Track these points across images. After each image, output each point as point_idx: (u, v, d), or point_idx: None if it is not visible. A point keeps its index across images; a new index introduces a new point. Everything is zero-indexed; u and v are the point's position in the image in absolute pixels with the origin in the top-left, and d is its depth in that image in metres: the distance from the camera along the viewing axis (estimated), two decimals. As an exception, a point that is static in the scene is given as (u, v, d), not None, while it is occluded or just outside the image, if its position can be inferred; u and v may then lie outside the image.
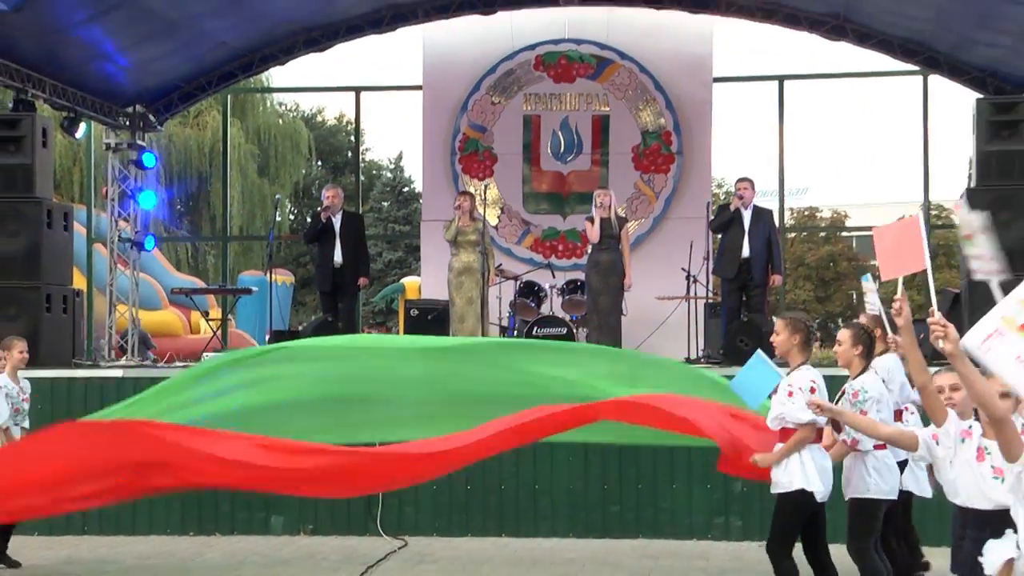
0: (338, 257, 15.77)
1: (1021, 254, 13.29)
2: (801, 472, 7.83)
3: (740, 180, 15.32)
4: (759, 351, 8.08)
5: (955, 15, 15.80)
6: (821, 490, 7.88)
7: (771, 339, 8.28)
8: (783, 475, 7.91)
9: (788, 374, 7.96)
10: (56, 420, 12.84)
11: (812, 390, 7.75)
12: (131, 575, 11.15)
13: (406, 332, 16.71)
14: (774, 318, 8.46)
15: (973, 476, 5.63)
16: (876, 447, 7.95)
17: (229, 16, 17.18)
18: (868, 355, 8.15)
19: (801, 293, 47.85)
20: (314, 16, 18.20)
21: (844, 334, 8.27)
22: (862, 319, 8.68)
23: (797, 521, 8.05)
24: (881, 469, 8.03)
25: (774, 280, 15.28)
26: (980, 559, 5.35)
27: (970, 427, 5.72)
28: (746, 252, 14.83)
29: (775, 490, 8.03)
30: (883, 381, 8.29)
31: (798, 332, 8.04)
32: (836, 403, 7.97)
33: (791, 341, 8.01)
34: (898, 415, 8.37)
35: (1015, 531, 4.85)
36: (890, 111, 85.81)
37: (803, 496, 7.86)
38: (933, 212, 23.39)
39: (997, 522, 5.51)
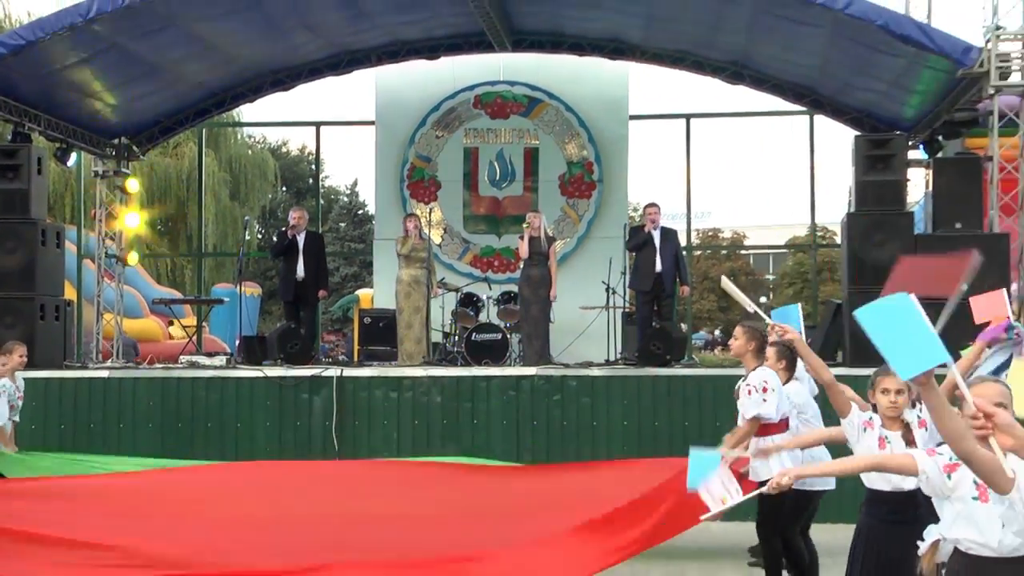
0: (301, 271, 15.74)
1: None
2: (778, 461, 7.71)
3: (649, 205, 15.36)
4: (691, 451, 7.93)
5: (837, 64, 15.97)
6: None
7: (729, 343, 8.30)
8: (762, 466, 7.79)
9: (745, 377, 7.99)
10: (48, 416, 12.85)
11: (764, 388, 7.79)
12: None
13: (360, 337, 16.67)
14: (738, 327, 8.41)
15: None
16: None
17: (205, 60, 17.11)
18: (791, 368, 8.18)
19: (706, 304, 48.08)
20: (279, 60, 18.15)
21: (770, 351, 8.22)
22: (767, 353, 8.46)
23: (781, 506, 7.92)
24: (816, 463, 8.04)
25: (683, 291, 15.42)
26: (891, 537, 5.40)
27: (871, 418, 5.80)
28: (659, 268, 14.93)
29: (756, 478, 7.75)
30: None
31: (754, 339, 8.03)
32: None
33: (747, 347, 8.02)
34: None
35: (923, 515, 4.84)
36: (782, 145, 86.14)
37: None
38: (819, 233, 23.56)
39: (891, 505, 5.59)
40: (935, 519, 4.76)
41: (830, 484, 8.21)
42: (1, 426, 10.21)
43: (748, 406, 7.87)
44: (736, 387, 8.22)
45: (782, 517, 8.08)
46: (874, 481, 5.75)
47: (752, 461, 7.85)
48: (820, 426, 8.22)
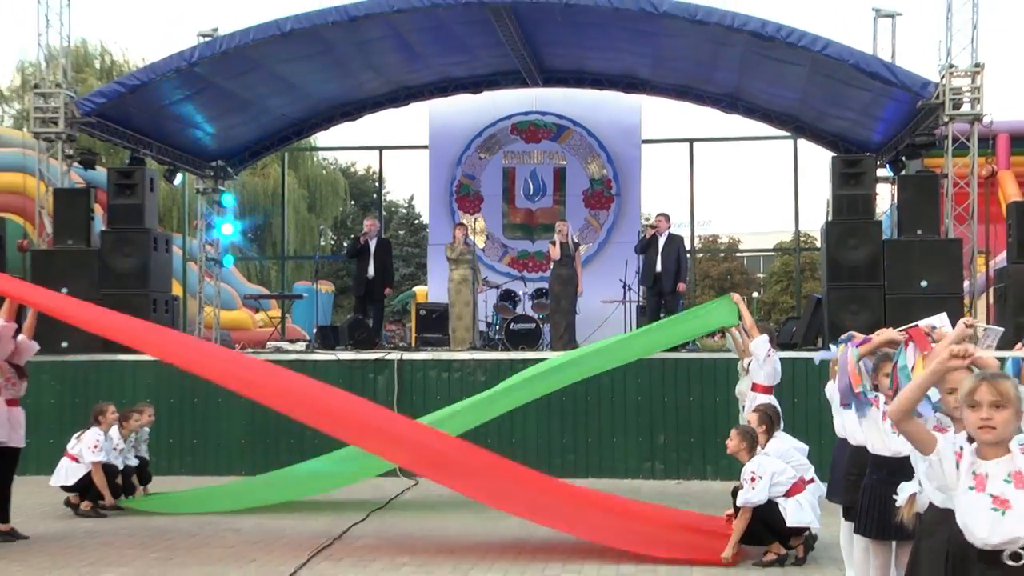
0: (371, 271, 15.83)
1: (864, 269, 13.46)
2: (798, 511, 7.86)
3: (658, 215, 15.50)
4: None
5: (815, 96, 15.95)
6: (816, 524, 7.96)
7: (726, 442, 8.15)
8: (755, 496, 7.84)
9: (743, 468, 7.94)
10: (160, 393, 12.93)
11: (752, 479, 7.75)
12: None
13: (417, 327, 16.71)
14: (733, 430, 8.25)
15: (878, 432, 5.75)
16: (787, 494, 7.88)
17: (286, 96, 17.26)
18: (770, 430, 8.06)
19: (706, 298, 47.64)
20: (348, 95, 18.27)
21: (733, 434, 8.13)
22: (750, 418, 8.44)
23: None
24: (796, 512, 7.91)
25: (679, 287, 15.39)
26: (890, 494, 5.40)
27: (876, 396, 5.81)
28: (659, 268, 14.98)
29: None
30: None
31: (745, 440, 7.94)
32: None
33: (740, 446, 7.92)
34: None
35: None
36: (770, 164, 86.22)
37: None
38: (802, 239, 23.46)
39: (892, 467, 5.62)
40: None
41: (814, 524, 8.01)
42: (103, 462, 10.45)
43: (740, 496, 7.85)
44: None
45: (763, 520, 8.03)
46: (878, 448, 5.78)
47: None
48: (808, 466, 8.12)
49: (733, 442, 8.02)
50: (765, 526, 7.97)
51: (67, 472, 10.37)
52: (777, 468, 7.88)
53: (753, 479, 7.78)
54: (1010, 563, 3.58)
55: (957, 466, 3.70)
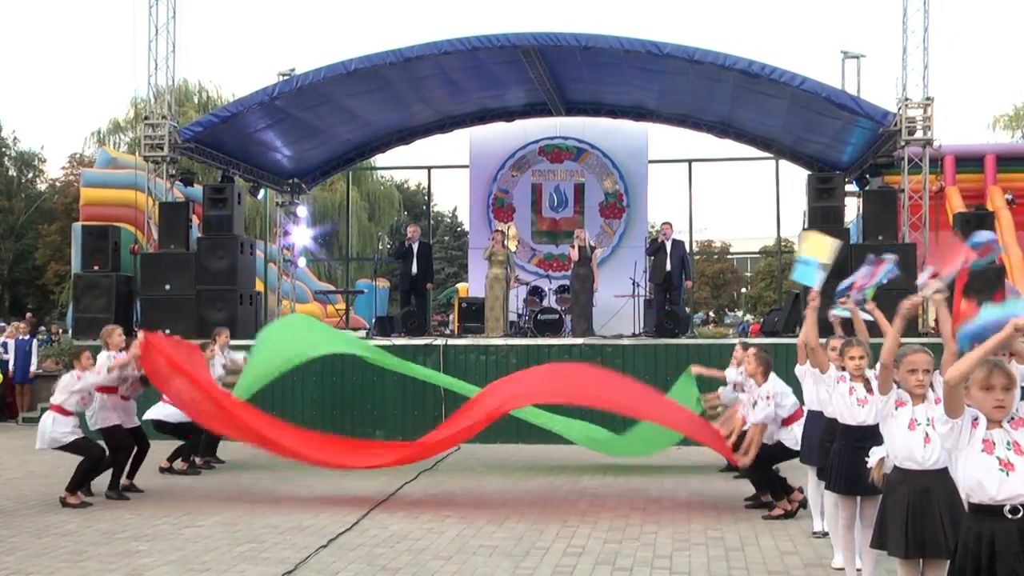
0: (414, 269, 15.85)
1: (835, 268, 13.33)
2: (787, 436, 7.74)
3: (664, 223, 15.54)
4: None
5: (794, 124, 15.88)
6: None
7: (744, 366, 8.02)
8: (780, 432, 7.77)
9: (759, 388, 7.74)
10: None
11: (767, 397, 7.59)
12: (284, 466, 11.19)
13: (459, 318, 16.75)
14: (750, 351, 8.01)
15: (845, 404, 5.75)
16: (784, 423, 7.75)
17: (351, 124, 17.35)
18: (766, 373, 7.77)
19: (703, 293, 47.70)
20: (402, 123, 18.34)
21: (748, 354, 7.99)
22: (749, 358, 8.05)
23: (777, 457, 7.89)
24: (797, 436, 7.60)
25: (687, 284, 15.37)
26: (856, 457, 5.38)
27: (843, 375, 5.81)
28: (668, 268, 14.95)
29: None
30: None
31: (762, 364, 7.72)
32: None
33: (757, 369, 7.71)
34: None
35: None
36: (756, 180, 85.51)
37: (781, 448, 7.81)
38: (783, 243, 23.34)
39: (857, 434, 5.61)
40: (880, 444, 4.80)
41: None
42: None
43: (755, 413, 7.67)
44: (732, 396, 8.14)
45: (773, 460, 7.98)
46: (845, 419, 5.73)
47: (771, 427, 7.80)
48: (795, 402, 7.87)
49: (751, 365, 7.77)
50: (772, 459, 7.90)
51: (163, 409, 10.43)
52: (786, 391, 7.71)
53: (768, 397, 7.59)
54: (1010, 516, 3.61)
55: (971, 432, 3.72)
